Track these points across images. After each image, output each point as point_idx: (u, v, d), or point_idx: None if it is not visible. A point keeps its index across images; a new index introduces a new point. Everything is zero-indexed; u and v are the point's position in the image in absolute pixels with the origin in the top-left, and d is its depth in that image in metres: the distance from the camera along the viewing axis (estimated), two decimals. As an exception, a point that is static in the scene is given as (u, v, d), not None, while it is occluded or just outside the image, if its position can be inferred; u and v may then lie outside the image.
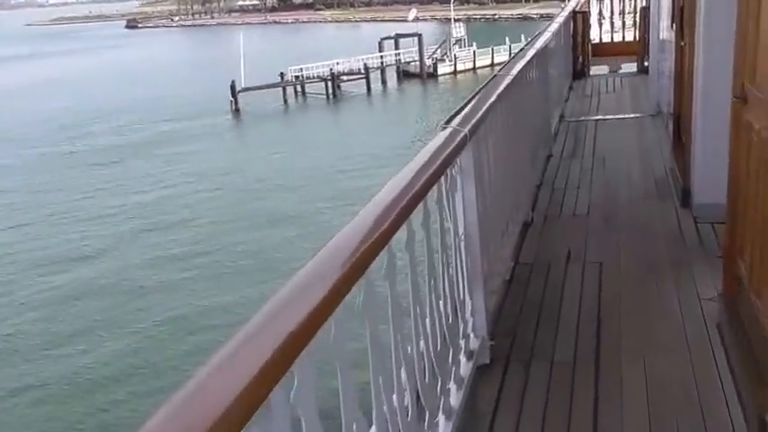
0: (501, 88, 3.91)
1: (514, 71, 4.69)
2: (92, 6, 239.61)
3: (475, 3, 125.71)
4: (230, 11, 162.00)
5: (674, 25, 7.04)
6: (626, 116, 9.50)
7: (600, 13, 16.51)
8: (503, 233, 4.22)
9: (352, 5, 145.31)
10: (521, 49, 6.59)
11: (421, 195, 2.22)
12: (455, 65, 58.11)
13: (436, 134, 2.91)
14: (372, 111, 47.91)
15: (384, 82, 55.84)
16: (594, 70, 14.57)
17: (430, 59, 58.09)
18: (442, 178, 2.67)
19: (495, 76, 4.52)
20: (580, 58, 13.41)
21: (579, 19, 13.22)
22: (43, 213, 28.51)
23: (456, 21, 64.49)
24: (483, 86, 3.97)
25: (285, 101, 50.58)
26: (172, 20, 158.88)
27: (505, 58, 54.32)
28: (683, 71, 5.84)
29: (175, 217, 26.89)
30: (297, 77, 52.47)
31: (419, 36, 56.78)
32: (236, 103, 47.69)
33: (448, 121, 3.05)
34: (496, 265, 3.90)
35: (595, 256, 4.59)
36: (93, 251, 24.02)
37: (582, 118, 9.65)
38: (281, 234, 23.63)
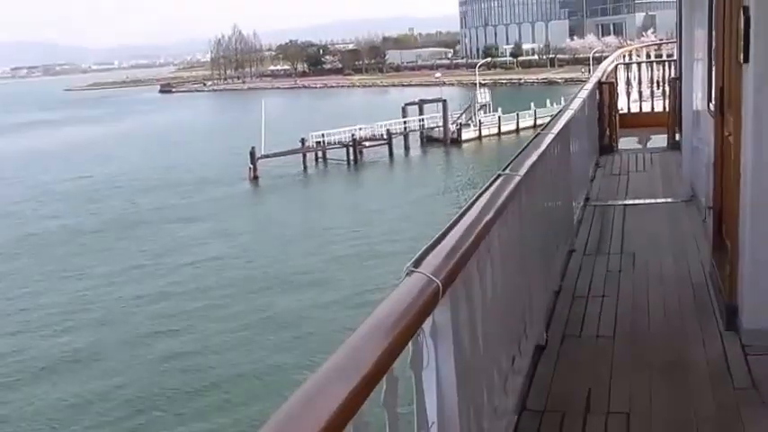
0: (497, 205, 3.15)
1: (528, 161, 4.11)
2: (129, 72, 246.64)
3: (501, 67, 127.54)
4: (262, 75, 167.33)
5: (713, 105, 6.32)
6: (657, 201, 8.77)
7: (628, 83, 15.89)
8: (504, 374, 3.39)
9: (380, 70, 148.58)
10: (542, 128, 6.00)
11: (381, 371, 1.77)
12: (480, 130, 58.06)
13: (401, 280, 2.22)
14: (392, 179, 47.59)
15: (407, 148, 55.82)
16: (623, 143, 13.87)
17: (454, 125, 58.12)
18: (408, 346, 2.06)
19: (498, 176, 3.75)
20: (607, 132, 12.72)
21: (606, 89, 12.60)
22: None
23: (481, 85, 64.82)
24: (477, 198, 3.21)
25: (305, 167, 50.55)
26: (204, 84, 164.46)
27: (530, 122, 55.06)
28: (724, 162, 5.08)
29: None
30: (318, 143, 52.60)
31: (443, 101, 56.99)
32: (254, 170, 47.71)
33: (416, 264, 2.29)
34: (492, 423, 3.06)
35: (621, 402, 3.75)
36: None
37: (609, 202, 8.89)
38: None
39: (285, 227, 34.79)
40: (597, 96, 12.27)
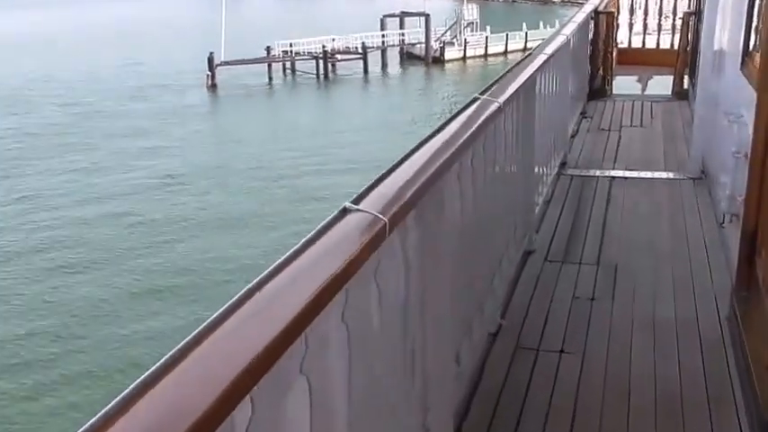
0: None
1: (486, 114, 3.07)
2: None
3: None
4: None
5: (746, 68, 4.61)
6: (655, 175, 7.14)
7: (632, 11, 13.93)
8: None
9: None
10: (515, 65, 4.64)
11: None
12: (465, 50, 55.59)
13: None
14: (365, 98, 45.23)
15: (384, 64, 53.28)
16: (619, 84, 12.12)
17: (437, 42, 55.51)
18: None
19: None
20: (600, 72, 10.93)
21: (603, 20, 10.73)
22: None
23: (469, 1, 61.82)
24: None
25: (270, 78, 48.02)
26: None
27: (520, 45, 52.56)
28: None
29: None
30: (285, 53, 49.85)
31: (426, 16, 54.17)
32: (212, 77, 45.17)
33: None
34: None
35: None
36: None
37: (591, 172, 7.28)
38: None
39: (232, 148, 32.66)
40: (591, 27, 10.43)
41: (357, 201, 1.82)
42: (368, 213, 1.75)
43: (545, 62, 5.03)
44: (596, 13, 10.37)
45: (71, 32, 67.62)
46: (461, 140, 2.62)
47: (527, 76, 4.20)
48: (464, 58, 55.49)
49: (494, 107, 3.16)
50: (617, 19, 12.95)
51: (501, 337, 3.82)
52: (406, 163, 2.20)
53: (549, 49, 5.46)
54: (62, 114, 38.59)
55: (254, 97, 43.84)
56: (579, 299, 4.37)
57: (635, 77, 15.10)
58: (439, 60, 54.48)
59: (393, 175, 2.07)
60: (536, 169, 5.46)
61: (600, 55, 10.88)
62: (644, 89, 14.94)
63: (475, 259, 3.35)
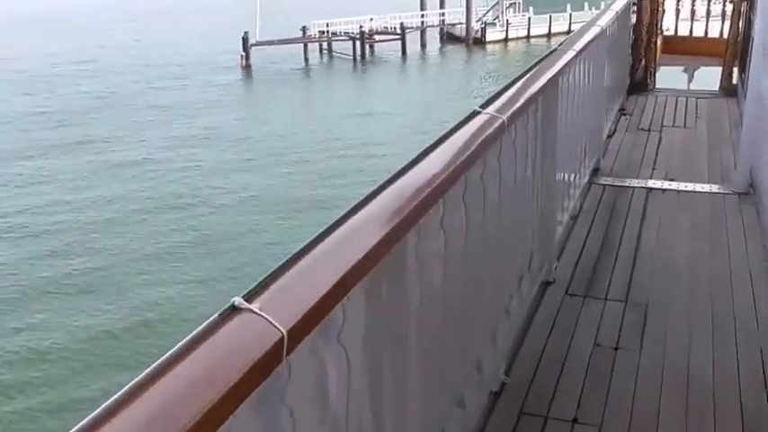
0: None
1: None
2: None
3: None
4: None
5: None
6: (698, 187, 6.55)
7: (678, -4, 13.30)
8: None
9: None
10: (543, 57, 4.25)
11: None
12: (506, 31, 54.47)
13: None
14: (402, 80, 44.60)
15: (423, 45, 52.58)
16: (663, 76, 11.53)
17: (478, 23, 54.53)
18: None
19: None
20: (642, 62, 10.36)
21: (647, 5, 10.16)
22: None
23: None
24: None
25: (306, 59, 47.71)
26: None
27: (564, 27, 51.21)
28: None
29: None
30: (321, 33, 49.47)
31: (468, -6, 53.21)
32: (247, 58, 45.02)
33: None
34: None
35: None
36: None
37: (627, 181, 6.71)
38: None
39: (264, 131, 32.39)
40: (634, 13, 9.88)
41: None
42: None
43: (570, 61, 4.47)
44: (638, -1, 9.83)
45: (100, 10, 67.82)
46: (451, 168, 2.26)
47: (544, 81, 3.69)
48: (506, 39, 54.36)
49: (497, 124, 2.74)
50: (662, 4, 12.32)
51: (503, 400, 3.30)
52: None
53: (579, 45, 4.89)
54: (84, 98, 38.63)
55: (289, 79, 43.57)
56: (601, 347, 3.83)
57: (681, 68, 14.41)
58: (480, 42, 53.46)
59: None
60: (561, 181, 4.86)
61: (642, 44, 10.31)
62: (690, 82, 14.25)
63: (472, 306, 2.91)
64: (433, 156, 2.21)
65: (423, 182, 2.01)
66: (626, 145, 7.83)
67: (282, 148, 29.54)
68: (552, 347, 3.79)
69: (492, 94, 3.07)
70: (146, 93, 38.76)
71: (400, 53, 49.84)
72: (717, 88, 10.38)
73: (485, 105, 2.83)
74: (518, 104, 3.01)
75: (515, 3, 56.09)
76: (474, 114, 2.71)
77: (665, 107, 9.47)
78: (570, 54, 4.51)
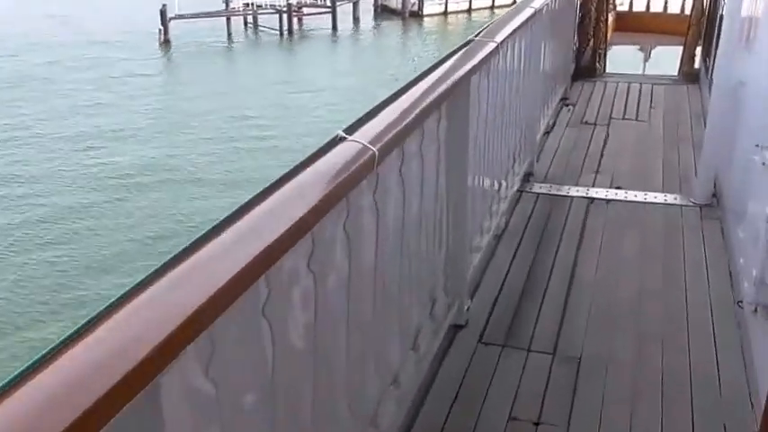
0: None
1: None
2: None
3: None
4: None
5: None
6: (650, 197, 5.53)
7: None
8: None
9: None
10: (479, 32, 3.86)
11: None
12: (446, 4, 53.19)
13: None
14: (329, 56, 42.74)
15: (356, 18, 50.86)
16: (614, 56, 10.31)
17: (416, -5, 53.14)
18: None
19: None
20: (590, 43, 9.08)
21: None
22: None
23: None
24: None
25: (229, 34, 45.54)
26: None
27: (509, 0, 50.30)
28: None
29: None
30: (246, 5, 47.28)
31: (404, -36, 51.64)
32: (165, 32, 42.64)
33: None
34: None
35: None
36: None
37: (564, 189, 5.69)
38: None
39: (178, 111, 30.43)
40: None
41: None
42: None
43: (488, 55, 3.57)
44: (587, -29, 8.54)
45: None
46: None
47: (447, 85, 2.91)
48: (445, 12, 53.15)
49: (366, 156, 2.07)
50: (613, -22, 11.14)
51: None
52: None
53: (501, 35, 3.94)
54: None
55: (210, 55, 41.38)
56: (518, 421, 3.12)
57: (636, 48, 13.29)
58: (417, 15, 52.15)
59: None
60: (479, 195, 4.06)
61: (591, 23, 9.04)
62: (645, 65, 13.16)
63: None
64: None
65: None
66: (566, 143, 6.70)
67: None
68: (456, 418, 3.13)
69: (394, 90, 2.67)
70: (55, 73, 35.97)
71: (330, 28, 48.03)
72: (676, 73, 9.22)
73: (350, 130, 2.19)
74: (391, 134, 2.24)
75: (456, -28, 54.79)
76: (337, 141, 2.11)
77: (614, 96, 8.27)
78: (489, 47, 3.62)
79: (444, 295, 3.58)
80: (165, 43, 42.72)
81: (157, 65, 39.75)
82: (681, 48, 9.37)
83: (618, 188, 5.65)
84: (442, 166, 3.20)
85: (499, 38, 3.80)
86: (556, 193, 5.57)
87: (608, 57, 9.60)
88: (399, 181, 2.58)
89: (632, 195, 5.51)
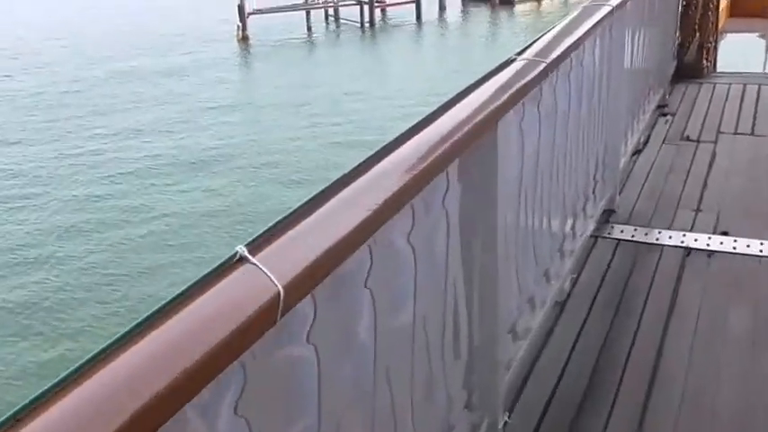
0: None
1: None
2: None
3: None
4: None
5: None
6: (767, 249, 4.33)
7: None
8: None
9: None
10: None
11: None
12: (539, -12, 51.46)
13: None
14: (409, 50, 41.68)
15: (442, 8, 49.78)
16: (728, 45, 9.03)
17: (506, -21, 51.60)
18: None
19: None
20: (696, 38, 7.86)
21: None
22: None
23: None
24: None
25: (309, 28, 45.25)
26: None
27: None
28: None
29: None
30: (327, -3, 46.93)
31: (493, -53, 50.19)
32: (243, 28, 42.71)
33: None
34: None
35: None
36: None
37: (654, 234, 4.58)
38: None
39: (254, 113, 30.09)
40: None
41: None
42: None
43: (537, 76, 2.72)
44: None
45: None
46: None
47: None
48: (538, -1, 51.49)
49: None
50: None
51: None
52: None
53: (590, 21, 3.52)
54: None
55: (289, 50, 41.14)
56: None
57: (756, 34, 11.85)
58: (508, 2, 50.62)
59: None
60: (534, 246, 3.24)
61: (697, 14, 7.81)
62: (767, 57, 11.69)
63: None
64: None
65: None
66: (660, 167, 5.54)
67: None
68: None
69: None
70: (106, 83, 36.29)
71: (414, 18, 47.13)
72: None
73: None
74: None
75: (550, -44, 52.96)
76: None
77: (725, 101, 7.04)
78: (537, 69, 2.75)
79: (468, 412, 2.67)
80: (244, 39, 42.77)
81: (237, 61, 39.89)
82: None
83: (724, 234, 4.50)
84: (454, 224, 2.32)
85: (589, 22, 3.40)
86: (642, 240, 4.46)
87: (720, 49, 8.36)
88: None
89: (744, 245, 4.33)
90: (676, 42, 7.66)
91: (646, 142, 5.95)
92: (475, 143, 2.21)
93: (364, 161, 1.72)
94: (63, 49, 41.44)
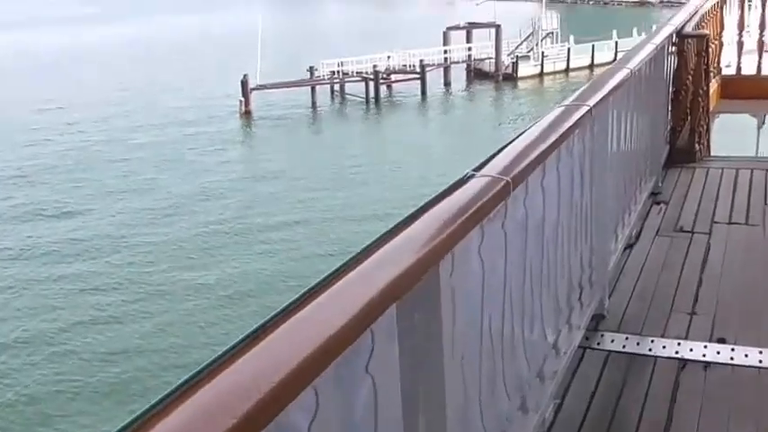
0: None
1: None
2: None
3: None
4: None
5: None
6: None
7: (741, 24, 10.93)
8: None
9: None
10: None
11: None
12: (542, 64, 52.46)
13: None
14: (414, 125, 42.19)
15: (447, 83, 50.75)
16: (722, 125, 9.13)
17: (510, 57, 52.64)
18: None
19: None
20: (687, 122, 7.98)
21: (691, 47, 7.87)
22: None
23: (552, 8, 58.68)
24: None
25: (314, 103, 46.01)
26: None
27: (610, 56, 49.01)
28: None
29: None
30: (333, 74, 47.84)
31: (497, 27, 51.35)
32: (246, 103, 43.45)
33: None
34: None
35: None
36: None
37: (646, 343, 4.25)
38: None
39: (248, 199, 30.02)
40: (672, 59, 7.61)
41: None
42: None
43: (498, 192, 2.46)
44: (680, 36, 7.48)
45: (117, 47, 67.92)
46: None
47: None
48: (541, 74, 52.42)
49: None
50: (719, 38, 10.01)
51: None
52: None
53: (564, 125, 3.31)
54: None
55: (293, 127, 41.69)
56: None
57: (748, 114, 12.00)
58: (511, 77, 51.58)
59: None
60: (518, 357, 3.04)
61: (687, 97, 7.95)
62: (759, 135, 11.81)
63: None
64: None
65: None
66: (653, 263, 5.32)
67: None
68: None
69: None
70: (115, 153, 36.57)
71: (420, 93, 47.97)
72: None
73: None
74: None
75: (553, 32, 54.18)
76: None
77: (718, 187, 7.01)
78: (498, 185, 2.46)
79: None
80: (246, 114, 43.45)
81: (238, 138, 40.38)
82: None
83: (721, 341, 4.17)
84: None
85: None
86: (634, 350, 4.12)
87: (713, 130, 8.46)
88: None
89: (742, 355, 3.97)
90: (668, 127, 7.77)
91: (638, 235, 5.77)
92: (413, 290, 1.91)
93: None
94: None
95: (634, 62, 5.05)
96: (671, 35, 7.13)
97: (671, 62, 7.53)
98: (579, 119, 3.53)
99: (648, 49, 5.78)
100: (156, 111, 44.06)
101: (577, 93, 3.88)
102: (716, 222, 6.12)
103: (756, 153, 12.09)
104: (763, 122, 12.48)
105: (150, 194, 30.66)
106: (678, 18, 7.50)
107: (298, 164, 33.95)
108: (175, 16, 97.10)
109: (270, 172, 33.08)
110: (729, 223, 6.13)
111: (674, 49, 7.46)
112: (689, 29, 7.74)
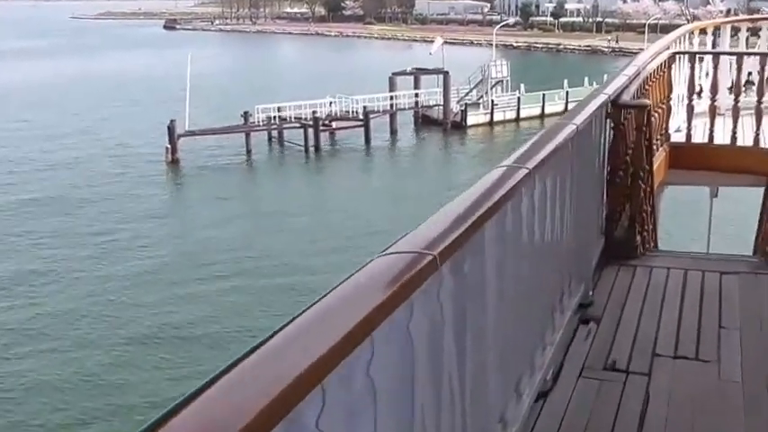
0: None
1: None
2: (145, 3, 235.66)
3: (539, 28, 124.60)
4: (277, 17, 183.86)
5: None
6: None
7: (691, 86, 10.04)
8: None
9: (404, 21, 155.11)
10: None
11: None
12: (492, 113, 52.20)
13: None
14: (353, 177, 40.84)
15: (393, 131, 49.96)
16: (674, 195, 8.08)
17: (459, 104, 52.28)
18: None
19: None
20: (625, 208, 6.90)
21: (630, 119, 6.84)
22: None
23: (512, 47, 58.53)
24: None
25: (248, 151, 44.66)
26: (212, 23, 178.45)
27: (560, 107, 48.86)
28: None
29: None
30: (270, 119, 46.64)
31: (445, 73, 50.96)
32: (173, 151, 41.88)
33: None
34: None
35: None
36: None
37: None
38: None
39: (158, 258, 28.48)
40: (608, 131, 6.56)
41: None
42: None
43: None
44: (616, 106, 6.40)
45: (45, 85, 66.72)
46: None
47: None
48: (491, 123, 52.17)
49: None
50: (666, 104, 9.08)
51: None
52: None
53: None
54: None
55: (222, 177, 39.99)
56: None
57: (700, 189, 11.10)
58: (460, 126, 51.15)
59: None
60: None
61: (626, 178, 6.85)
62: (712, 206, 10.92)
63: None
64: None
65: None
66: (573, 420, 4.18)
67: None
68: None
69: None
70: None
71: (363, 142, 47.06)
72: (752, 251, 6.91)
73: None
74: None
75: (503, 80, 54.00)
76: None
77: (662, 300, 5.90)
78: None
79: None
80: (173, 163, 41.87)
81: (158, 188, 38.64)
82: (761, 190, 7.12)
83: None
84: None
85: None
86: None
87: (662, 198, 7.39)
88: None
89: None
90: (603, 215, 6.66)
91: (556, 376, 4.58)
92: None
93: None
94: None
95: (559, 137, 4.25)
96: (604, 104, 6.05)
97: (606, 137, 6.47)
98: (492, 205, 3.01)
99: (581, 118, 4.77)
100: (54, 160, 42.35)
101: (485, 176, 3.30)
102: (658, 355, 4.95)
103: (709, 228, 11.23)
104: (716, 195, 11.62)
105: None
106: (614, 85, 6.43)
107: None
108: (118, 53, 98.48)
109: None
110: (675, 357, 4.95)
111: (608, 121, 6.40)
112: (627, 96, 6.68)
